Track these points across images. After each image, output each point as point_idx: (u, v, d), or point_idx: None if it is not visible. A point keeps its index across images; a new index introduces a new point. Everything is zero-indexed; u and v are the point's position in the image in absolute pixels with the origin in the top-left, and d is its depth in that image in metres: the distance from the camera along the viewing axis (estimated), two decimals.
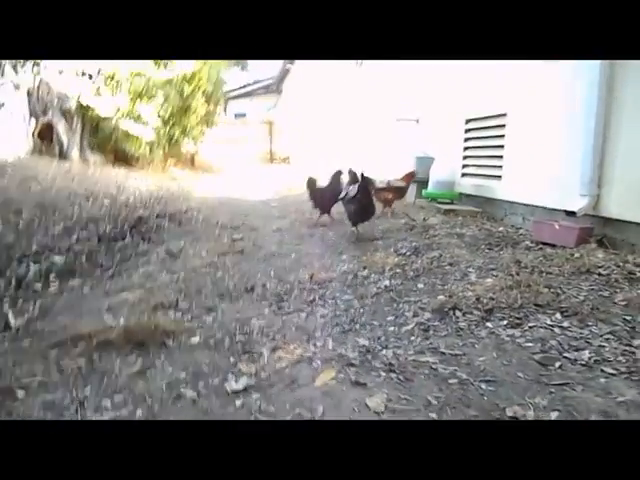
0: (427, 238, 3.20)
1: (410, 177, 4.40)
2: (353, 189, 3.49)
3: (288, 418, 1.28)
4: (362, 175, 3.44)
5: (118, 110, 8.09)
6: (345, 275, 2.57)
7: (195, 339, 1.83)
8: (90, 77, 7.89)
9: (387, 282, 2.38)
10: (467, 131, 4.55)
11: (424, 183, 4.68)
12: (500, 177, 3.94)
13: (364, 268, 2.64)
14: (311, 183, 4.35)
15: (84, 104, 7.86)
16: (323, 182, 4.35)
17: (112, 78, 8.05)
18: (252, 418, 1.29)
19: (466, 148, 4.59)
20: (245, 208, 5.54)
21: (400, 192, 4.33)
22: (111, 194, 6.14)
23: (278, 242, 3.55)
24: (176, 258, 3.10)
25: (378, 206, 4.26)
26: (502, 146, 3.91)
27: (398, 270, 2.54)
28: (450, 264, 2.56)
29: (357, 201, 3.43)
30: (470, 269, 2.46)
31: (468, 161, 4.57)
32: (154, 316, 2.01)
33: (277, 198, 6.47)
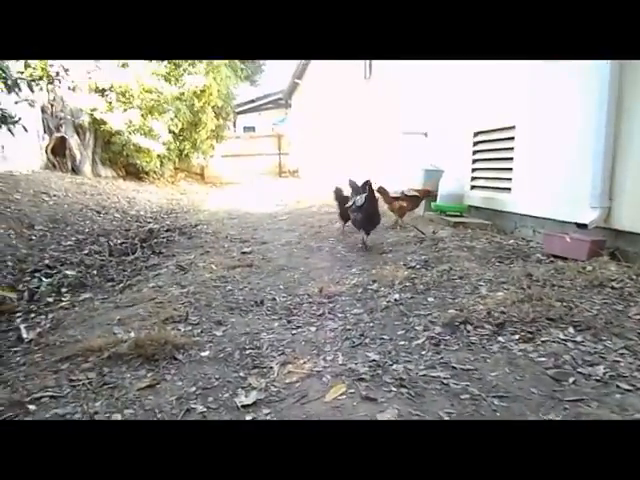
0: (437, 251, 3.18)
1: (425, 192, 4.41)
2: (360, 199, 3.56)
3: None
4: (369, 185, 3.51)
5: (130, 125, 8.24)
6: (355, 288, 2.57)
7: (205, 353, 1.84)
8: (103, 92, 8.05)
9: (397, 295, 2.37)
10: (476, 144, 4.55)
11: (433, 196, 4.67)
12: (510, 189, 3.92)
13: (373, 281, 2.63)
14: (338, 193, 4.39)
15: (97, 118, 8.02)
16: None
17: (124, 94, 8.21)
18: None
19: (475, 161, 4.58)
20: (254, 221, 5.57)
21: (414, 202, 4.33)
22: (122, 208, 6.24)
23: (287, 255, 3.56)
24: (186, 271, 3.12)
25: (391, 215, 4.30)
26: (511, 158, 3.90)
27: (408, 283, 2.52)
28: (460, 277, 2.54)
29: (364, 210, 3.51)
30: (481, 282, 2.44)
31: (477, 174, 4.56)
32: (164, 329, 2.02)
33: (286, 211, 6.50)
